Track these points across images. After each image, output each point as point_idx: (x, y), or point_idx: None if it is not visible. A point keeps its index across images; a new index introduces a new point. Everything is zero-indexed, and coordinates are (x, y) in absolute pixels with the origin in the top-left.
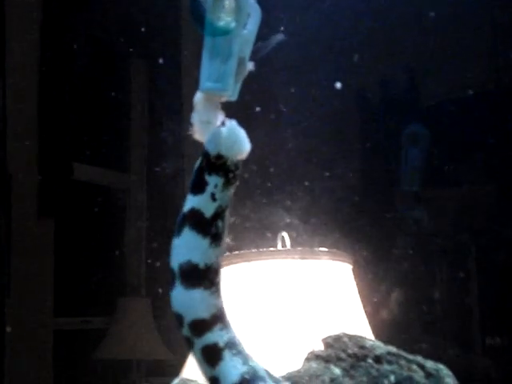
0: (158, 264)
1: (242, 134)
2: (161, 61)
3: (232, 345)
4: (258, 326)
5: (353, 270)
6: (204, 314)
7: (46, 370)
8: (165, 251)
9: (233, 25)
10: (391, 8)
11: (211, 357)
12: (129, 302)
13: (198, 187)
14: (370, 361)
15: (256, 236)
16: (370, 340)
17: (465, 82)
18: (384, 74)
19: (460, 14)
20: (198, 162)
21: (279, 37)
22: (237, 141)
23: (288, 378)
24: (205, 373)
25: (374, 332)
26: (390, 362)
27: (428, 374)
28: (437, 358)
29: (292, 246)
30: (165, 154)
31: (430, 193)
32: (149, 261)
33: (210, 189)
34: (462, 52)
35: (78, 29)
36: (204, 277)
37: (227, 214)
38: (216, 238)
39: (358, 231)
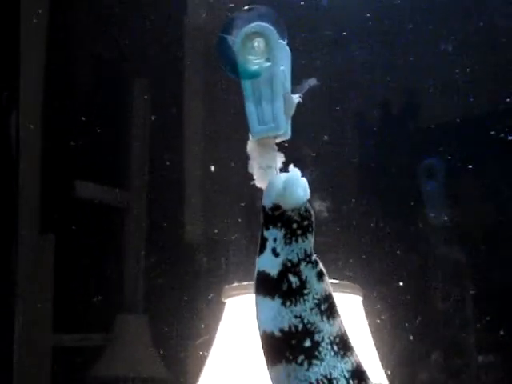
0: (155, 281)
1: (297, 179)
2: (163, 80)
3: None
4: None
5: (363, 302)
6: None
7: None
8: (162, 269)
9: (266, 65)
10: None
11: None
12: (126, 319)
13: (261, 246)
14: None
15: None
16: None
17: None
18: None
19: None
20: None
21: (312, 81)
22: (290, 188)
23: None
24: None
25: (383, 366)
26: None
27: None
28: None
29: None
30: (166, 173)
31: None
32: (147, 278)
33: (269, 244)
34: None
35: (81, 49)
36: (283, 346)
37: (308, 267)
38: (289, 296)
39: (372, 261)
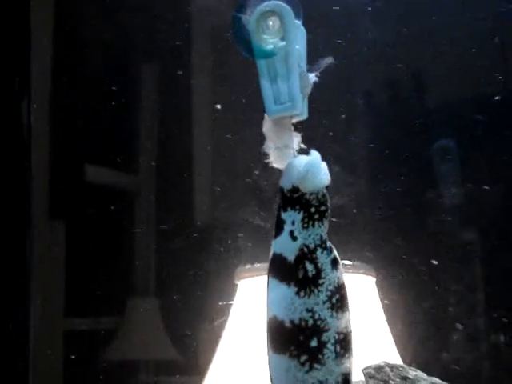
0: (167, 264)
1: (319, 163)
2: (171, 64)
3: None
4: None
5: (376, 283)
6: None
7: (55, 370)
8: (173, 252)
9: (281, 44)
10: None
11: None
12: (138, 303)
13: (277, 228)
14: None
15: None
16: (412, 370)
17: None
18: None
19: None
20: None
21: (328, 60)
22: (312, 171)
23: None
24: None
25: (397, 346)
26: None
27: None
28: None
29: None
30: (175, 156)
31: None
32: (158, 261)
33: (287, 227)
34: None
35: (90, 34)
36: (291, 339)
37: (324, 253)
38: (304, 285)
39: (385, 242)
